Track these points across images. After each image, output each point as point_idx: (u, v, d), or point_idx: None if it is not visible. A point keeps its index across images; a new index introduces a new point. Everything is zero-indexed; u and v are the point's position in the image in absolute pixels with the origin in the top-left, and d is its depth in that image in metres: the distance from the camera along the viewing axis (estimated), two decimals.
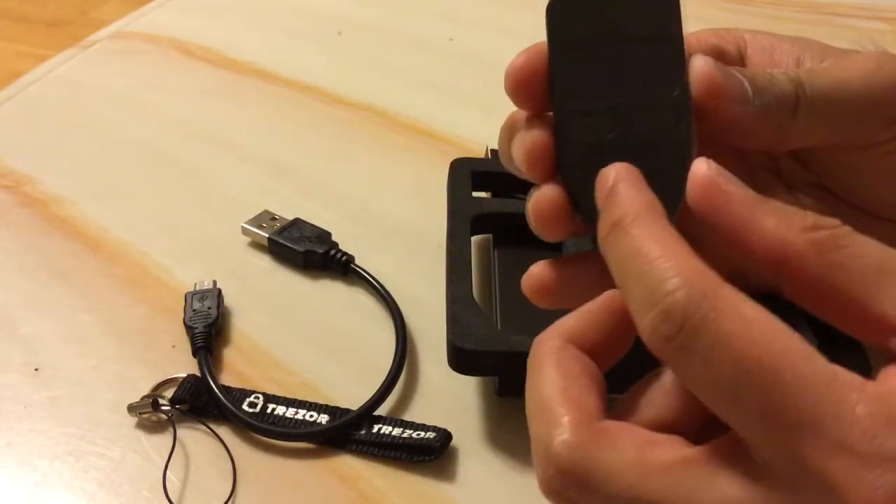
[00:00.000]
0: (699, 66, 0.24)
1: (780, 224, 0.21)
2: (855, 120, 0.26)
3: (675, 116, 0.24)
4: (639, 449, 0.20)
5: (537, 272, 0.27)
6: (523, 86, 0.25)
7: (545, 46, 0.26)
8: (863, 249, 0.20)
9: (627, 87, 0.25)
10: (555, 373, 0.22)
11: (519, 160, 0.26)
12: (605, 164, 0.24)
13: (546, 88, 0.26)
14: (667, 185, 0.24)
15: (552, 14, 0.26)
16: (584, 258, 0.26)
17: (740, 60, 0.28)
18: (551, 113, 0.26)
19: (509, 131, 0.27)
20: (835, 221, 0.21)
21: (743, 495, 0.19)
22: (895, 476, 0.17)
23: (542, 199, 0.26)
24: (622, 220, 0.21)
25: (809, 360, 0.18)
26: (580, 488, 0.20)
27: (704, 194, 0.22)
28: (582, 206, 0.26)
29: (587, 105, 0.25)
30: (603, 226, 0.22)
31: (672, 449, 0.20)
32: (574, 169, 0.25)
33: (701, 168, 0.22)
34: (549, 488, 0.21)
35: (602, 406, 0.21)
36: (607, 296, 0.23)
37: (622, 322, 0.22)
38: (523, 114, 0.27)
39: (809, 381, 0.18)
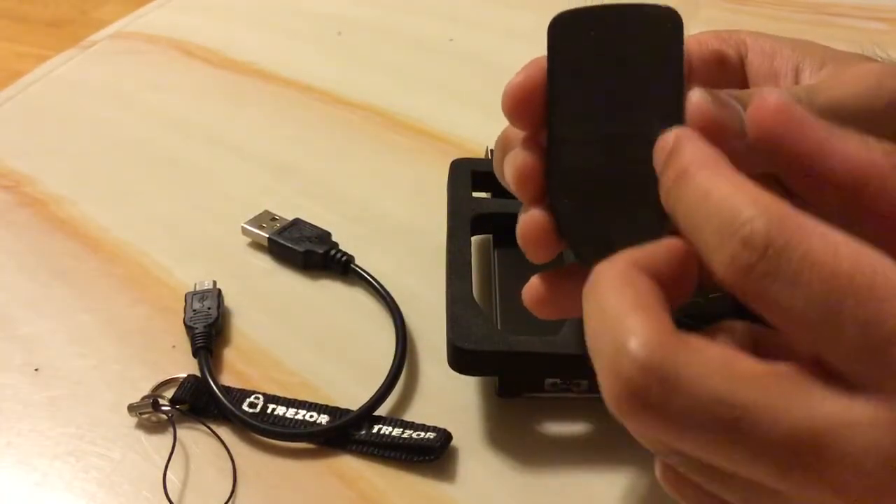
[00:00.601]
0: (695, 101, 0.24)
1: (862, 146, 0.21)
2: None
3: None
4: (725, 358, 0.19)
5: (535, 284, 0.27)
6: (520, 105, 0.25)
7: (542, 63, 0.25)
8: None
9: (623, 116, 0.24)
10: (623, 288, 0.21)
11: (509, 180, 0.26)
12: (593, 193, 0.24)
13: (542, 109, 0.25)
14: (654, 219, 0.23)
15: (554, 33, 0.25)
16: (583, 269, 0.26)
17: (740, 65, 0.28)
18: (545, 133, 0.25)
19: (502, 148, 0.27)
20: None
21: (839, 410, 0.18)
22: None
23: (529, 222, 0.26)
24: (687, 168, 0.21)
25: None
26: (664, 386, 0.19)
27: (779, 117, 0.21)
28: (568, 232, 0.25)
29: (582, 131, 0.24)
30: (666, 180, 0.22)
31: (760, 362, 0.19)
32: (562, 194, 0.25)
33: (772, 95, 0.22)
34: (625, 392, 0.19)
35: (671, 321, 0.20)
36: (670, 241, 0.22)
37: (686, 263, 0.22)
38: (517, 131, 0.26)
39: None
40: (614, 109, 0.24)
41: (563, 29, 0.25)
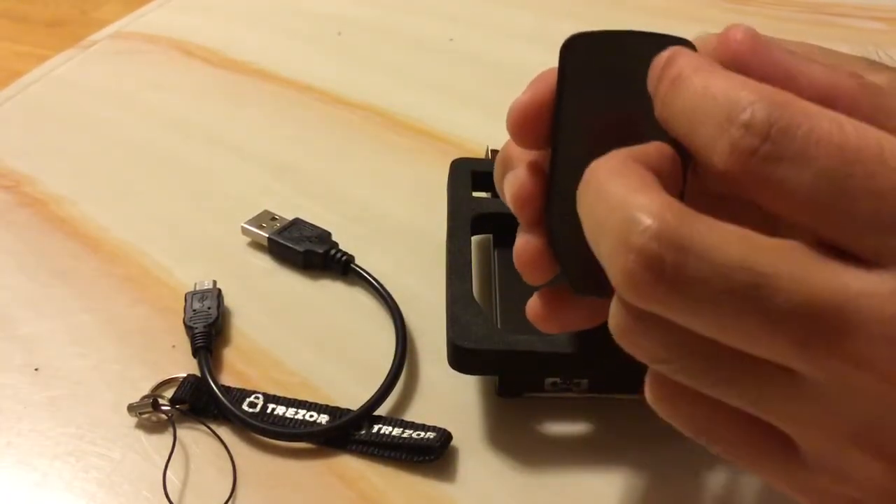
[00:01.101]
0: None
1: (828, 70, 0.21)
2: None
3: None
4: (741, 230, 0.19)
5: (535, 303, 0.27)
6: (525, 125, 0.25)
7: (550, 81, 0.25)
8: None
9: (629, 142, 0.23)
10: (625, 173, 0.20)
11: (508, 200, 0.26)
12: None
13: (547, 129, 0.25)
14: None
15: (566, 55, 0.24)
16: None
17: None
18: (549, 153, 0.25)
19: (503, 165, 0.27)
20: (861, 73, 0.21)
21: (859, 281, 0.17)
22: None
23: (525, 245, 0.26)
24: (681, 72, 0.21)
25: None
26: (681, 253, 0.18)
27: (746, 45, 0.22)
28: (561, 258, 0.25)
29: (585, 156, 0.23)
30: (660, 92, 0.21)
31: (774, 238, 0.19)
32: (559, 219, 0.25)
33: (740, 27, 0.22)
34: (639, 264, 0.18)
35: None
36: (659, 143, 0.22)
37: (675, 164, 0.22)
38: (519, 149, 0.26)
39: None
40: (619, 137, 0.23)
41: (575, 51, 0.24)
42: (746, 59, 0.22)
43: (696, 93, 0.20)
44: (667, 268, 0.18)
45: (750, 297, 0.18)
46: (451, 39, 0.65)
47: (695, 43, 0.27)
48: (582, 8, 0.70)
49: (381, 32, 0.66)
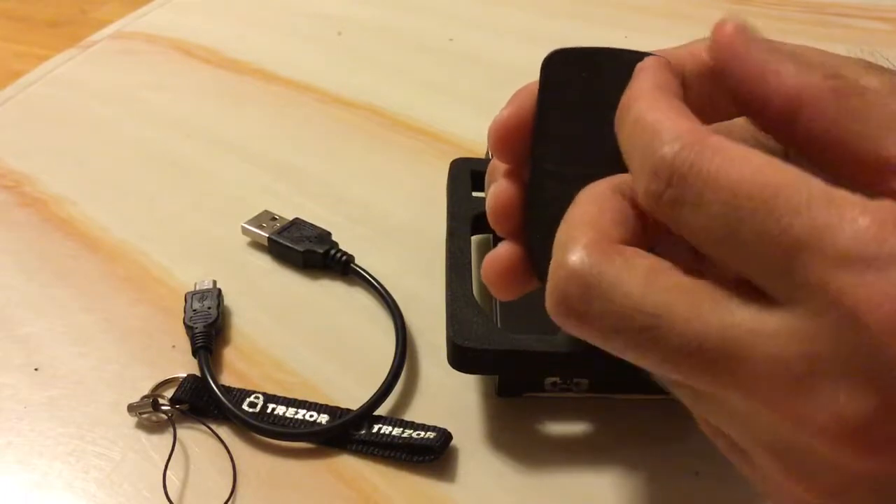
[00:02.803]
0: None
1: (801, 69, 0.21)
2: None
3: None
4: (651, 268, 0.20)
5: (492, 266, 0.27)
6: (505, 141, 0.25)
7: (530, 96, 0.25)
8: (878, 98, 0.20)
9: (606, 159, 0.23)
10: (586, 205, 0.22)
11: (487, 211, 0.26)
12: None
13: (527, 144, 0.25)
14: None
15: (547, 70, 0.25)
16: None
17: None
18: (529, 168, 0.25)
19: (488, 179, 0.27)
20: (853, 75, 0.21)
21: (748, 319, 0.18)
22: None
23: (497, 257, 0.26)
24: (628, 101, 0.22)
25: (803, 184, 0.18)
26: (586, 289, 0.20)
27: (729, 40, 0.22)
28: (538, 270, 0.25)
29: (563, 169, 0.24)
30: (617, 113, 0.23)
31: (686, 276, 0.20)
32: (537, 231, 0.25)
33: (728, 25, 0.22)
34: (553, 300, 0.21)
35: (626, 238, 0.21)
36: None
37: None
38: (502, 164, 0.26)
39: (804, 204, 0.17)
40: (597, 151, 0.24)
41: (555, 67, 0.25)
42: (725, 56, 0.22)
43: (631, 123, 0.21)
44: (573, 305, 0.20)
45: (645, 338, 0.19)
46: (451, 39, 0.65)
47: (686, 55, 0.27)
48: (582, 8, 0.70)
49: (381, 32, 0.67)
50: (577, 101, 0.25)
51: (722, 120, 0.25)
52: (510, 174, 0.26)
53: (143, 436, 0.34)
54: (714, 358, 0.18)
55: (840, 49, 0.28)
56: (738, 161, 0.18)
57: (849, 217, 0.17)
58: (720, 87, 0.28)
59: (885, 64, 0.27)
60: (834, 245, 0.17)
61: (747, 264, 0.18)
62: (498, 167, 0.27)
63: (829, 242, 0.17)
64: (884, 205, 0.17)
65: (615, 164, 0.23)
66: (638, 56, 0.24)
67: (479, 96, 0.57)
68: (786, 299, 0.18)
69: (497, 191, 0.26)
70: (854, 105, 0.20)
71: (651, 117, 0.20)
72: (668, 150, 0.19)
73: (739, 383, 0.18)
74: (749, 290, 0.19)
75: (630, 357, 0.20)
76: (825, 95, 0.21)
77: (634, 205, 0.22)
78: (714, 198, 0.18)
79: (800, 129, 0.21)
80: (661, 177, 0.19)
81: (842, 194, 0.18)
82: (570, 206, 0.22)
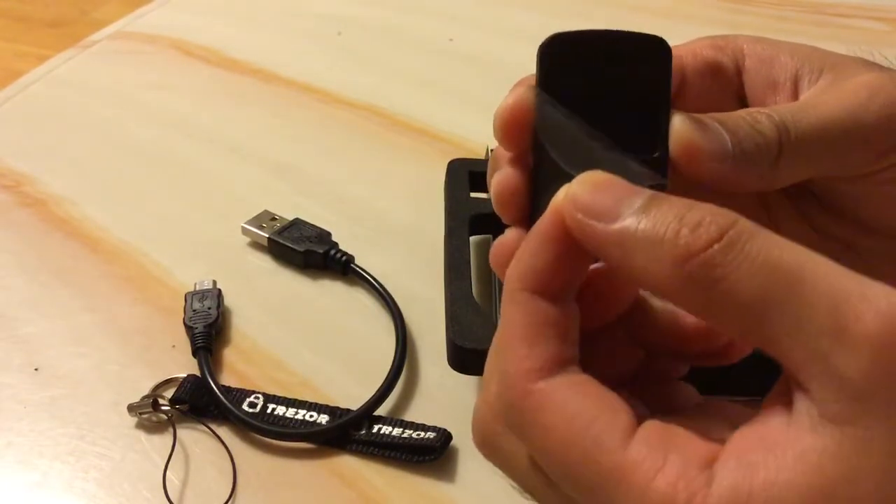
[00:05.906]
0: (677, 127, 0.24)
1: (650, 261, 0.18)
2: (842, 156, 0.25)
3: (650, 177, 0.23)
4: (567, 422, 0.20)
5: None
6: (510, 129, 0.25)
7: (532, 84, 0.25)
8: (738, 282, 0.17)
9: (608, 143, 0.24)
10: (502, 328, 0.22)
11: (492, 198, 0.26)
12: None
13: (530, 132, 0.25)
14: None
15: (543, 57, 0.25)
16: None
17: (737, 74, 0.28)
18: (532, 154, 0.25)
19: (492, 167, 0.27)
20: (716, 227, 0.18)
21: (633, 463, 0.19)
22: None
23: (505, 242, 0.25)
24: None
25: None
26: (489, 437, 0.24)
27: (574, 229, 0.20)
28: None
29: (566, 155, 0.24)
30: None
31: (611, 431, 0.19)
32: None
33: (558, 197, 0.21)
34: (474, 433, 0.24)
35: (545, 355, 0.20)
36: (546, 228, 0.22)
37: (575, 256, 0.21)
38: (506, 152, 0.26)
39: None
40: (599, 136, 0.24)
41: (553, 52, 0.25)
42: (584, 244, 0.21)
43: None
44: (483, 448, 0.24)
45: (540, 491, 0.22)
46: (451, 39, 0.65)
47: (687, 52, 0.28)
48: (583, 7, 0.70)
49: (381, 32, 0.67)
50: (576, 85, 0.25)
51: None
52: (515, 161, 0.26)
53: (143, 436, 0.34)
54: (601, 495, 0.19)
55: (840, 49, 0.28)
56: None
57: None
58: (720, 85, 0.28)
59: (885, 63, 0.27)
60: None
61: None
62: (502, 155, 0.27)
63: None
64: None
65: (616, 146, 0.23)
66: (632, 37, 0.24)
67: (478, 96, 0.57)
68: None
69: (502, 178, 0.26)
70: (712, 298, 0.18)
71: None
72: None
73: None
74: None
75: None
76: (683, 290, 0.18)
77: (548, 290, 0.21)
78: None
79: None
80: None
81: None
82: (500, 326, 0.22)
